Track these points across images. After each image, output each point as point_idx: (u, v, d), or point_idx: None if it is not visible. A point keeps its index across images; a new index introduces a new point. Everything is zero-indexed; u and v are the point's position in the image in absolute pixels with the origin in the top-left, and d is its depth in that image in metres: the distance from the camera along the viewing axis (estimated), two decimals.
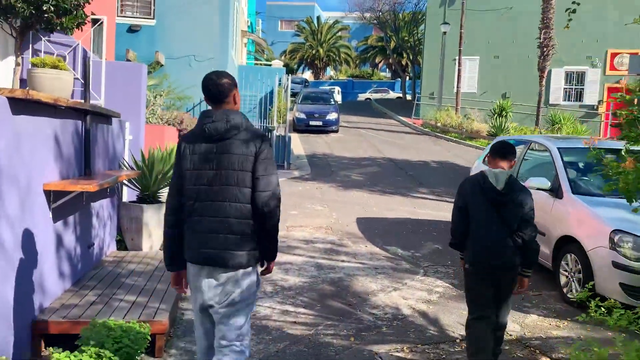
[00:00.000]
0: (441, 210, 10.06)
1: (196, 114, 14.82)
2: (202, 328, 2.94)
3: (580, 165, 6.17)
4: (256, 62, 34.47)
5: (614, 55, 23.77)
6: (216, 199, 2.74)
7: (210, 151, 2.75)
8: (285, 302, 5.16)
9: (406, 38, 43.69)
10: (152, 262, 5.68)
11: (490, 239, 3.57)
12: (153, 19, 14.78)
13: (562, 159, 6.02)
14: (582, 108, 24.15)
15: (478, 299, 3.67)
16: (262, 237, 2.82)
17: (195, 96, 14.63)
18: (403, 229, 8.43)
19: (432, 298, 5.42)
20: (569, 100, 24.61)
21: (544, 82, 20.47)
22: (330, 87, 45.79)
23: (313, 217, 9.00)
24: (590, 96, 24.15)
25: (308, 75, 56.48)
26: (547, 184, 5.86)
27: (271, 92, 19.25)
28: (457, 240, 3.78)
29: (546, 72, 20.37)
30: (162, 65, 14.65)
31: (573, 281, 5.31)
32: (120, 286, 4.80)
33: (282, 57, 55.09)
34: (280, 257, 6.56)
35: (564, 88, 24.58)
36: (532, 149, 6.86)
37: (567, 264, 5.43)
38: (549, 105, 23.94)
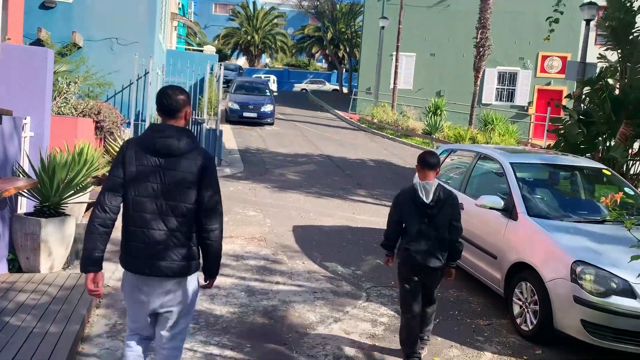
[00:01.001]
0: (380, 216, 9.57)
1: (117, 102, 13.57)
2: (137, 324, 3.03)
3: (535, 183, 5.79)
4: (187, 47, 32.85)
5: (544, 57, 24.40)
6: (161, 213, 2.81)
7: (158, 165, 2.81)
8: (210, 341, 4.41)
9: (343, 29, 43.31)
10: (50, 289, 4.75)
11: (422, 248, 4.04)
12: None
13: (516, 176, 5.60)
14: (513, 108, 24.67)
15: (410, 295, 4.18)
16: (205, 254, 2.97)
17: (117, 82, 13.38)
18: (342, 240, 7.85)
19: (377, 332, 4.84)
20: (501, 100, 25.07)
21: (479, 82, 20.60)
22: (266, 75, 44.70)
23: (245, 225, 8.23)
24: (521, 97, 24.70)
25: (242, 62, 54.95)
26: (500, 203, 5.43)
27: (202, 81, 18.13)
28: (389, 243, 4.35)
29: (481, 72, 20.50)
30: (79, 48, 13.24)
31: (528, 312, 4.90)
32: (0, 329, 3.87)
33: (216, 42, 53.21)
34: None
35: (497, 88, 25.02)
36: (483, 160, 6.43)
37: (522, 293, 5.01)
38: (481, 104, 24.25)
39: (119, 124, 11.25)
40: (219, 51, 50.28)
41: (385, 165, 15.70)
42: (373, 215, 9.66)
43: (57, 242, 5.30)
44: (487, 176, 6.38)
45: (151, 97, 13.50)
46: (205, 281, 3.08)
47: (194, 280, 2.98)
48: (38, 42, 12.50)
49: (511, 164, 5.78)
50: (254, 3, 53.72)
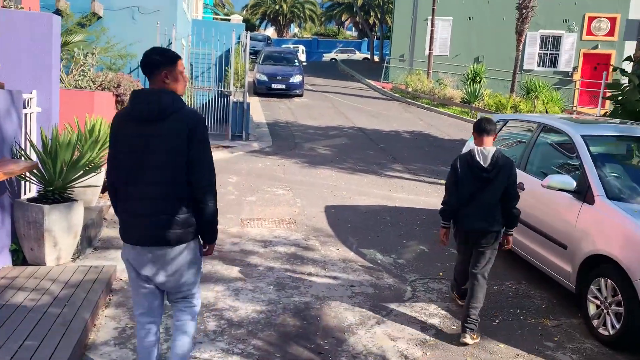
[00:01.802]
0: (420, 194, 8.79)
1: (140, 75, 12.96)
2: (142, 295, 2.95)
3: (612, 159, 4.92)
4: (215, 16, 32.05)
5: (591, 19, 22.75)
6: (150, 182, 2.73)
7: (141, 134, 2.72)
8: (233, 349, 3.78)
9: None
10: (53, 287, 4.19)
11: (472, 212, 4.06)
12: None
13: (590, 151, 4.74)
14: (557, 74, 23.20)
15: (460, 253, 4.39)
16: (200, 221, 2.85)
17: (140, 53, 12.67)
18: (380, 222, 7.11)
19: (427, 337, 4.14)
20: (543, 65, 23.60)
21: (521, 47, 19.27)
22: (294, 45, 43.64)
23: (274, 206, 7.57)
24: (566, 62, 23.19)
25: (271, 32, 53.91)
26: (571, 184, 4.59)
27: (229, 51, 17.41)
28: (446, 209, 4.23)
29: (524, 36, 19.15)
30: (100, 18, 12.62)
31: (608, 314, 4.11)
32: None
33: (244, 12, 52.25)
34: (231, 270, 5.15)
35: (539, 53, 23.53)
36: (546, 132, 5.55)
37: (600, 291, 4.22)
38: (523, 71, 22.87)
39: None
40: (246, 21, 49.36)
41: (422, 137, 14.79)
42: (412, 193, 8.88)
43: (63, 231, 4.73)
44: (552, 151, 5.52)
45: None
46: (205, 247, 2.99)
47: (194, 247, 2.90)
48: (57, 13, 11.94)
49: (583, 137, 4.90)
50: None
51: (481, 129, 4.07)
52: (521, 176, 5.35)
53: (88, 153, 5.16)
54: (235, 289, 4.75)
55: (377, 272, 5.37)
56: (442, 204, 4.29)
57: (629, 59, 10.53)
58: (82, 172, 5.13)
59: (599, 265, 4.25)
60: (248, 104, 13.04)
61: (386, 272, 5.41)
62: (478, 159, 3.99)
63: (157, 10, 12.98)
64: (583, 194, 4.53)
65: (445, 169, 10.64)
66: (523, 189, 5.28)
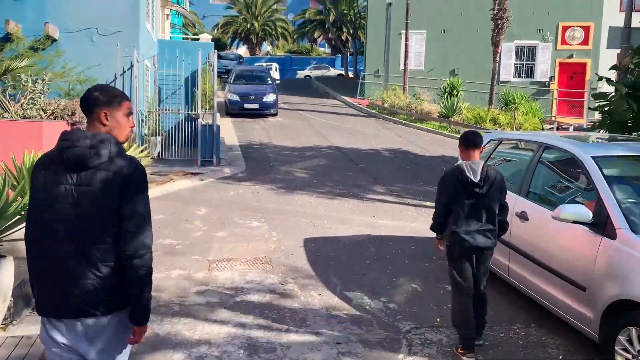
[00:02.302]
0: (405, 219, 8.13)
1: None
2: None
3: (632, 184, 4.31)
4: (185, 36, 31.32)
5: (565, 28, 22.67)
6: (74, 239, 2.30)
7: (66, 183, 2.33)
8: None
9: (345, 11, 41.53)
10: None
11: (471, 229, 3.96)
12: None
13: (605, 176, 4.12)
14: (534, 85, 23.00)
15: (461, 275, 4.06)
16: (129, 290, 2.34)
17: (101, 78, 11.91)
18: (365, 256, 6.41)
19: None
20: (519, 76, 23.40)
21: (497, 58, 18.96)
22: (267, 63, 43.10)
23: (247, 242, 6.81)
24: (542, 72, 23.02)
25: (243, 50, 53.36)
26: (587, 215, 3.95)
27: (197, 71, 16.71)
28: (438, 227, 4.25)
29: (500, 47, 18.85)
30: (55, 41, 11.79)
31: None
32: None
33: (215, 32, 51.62)
34: (194, 330, 4.37)
35: (515, 64, 23.33)
36: (548, 153, 4.93)
37: (631, 342, 3.56)
38: (499, 82, 22.61)
39: None
40: (216, 40, 48.69)
41: (402, 154, 14.21)
42: (396, 218, 8.21)
43: None
44: (558, 176, 4.89)
45: (138, 91, 12.09)
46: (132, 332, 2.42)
47: (121, 319, 2.37)
48: (6, 37, 11.11)
49: (594, 158, 4.29)
50: None
51: (469, 142, 4.03)
52: (523, 204, 4.72)
53: (18, 199, 4.36)
54: (198, 356, 3.97)
55: (366, 323, 4.64)
56: (433, 219, 4.30)
57: (614, 67, 10.14)
58: (13, 220, 4.32)
59: (628, 312, 3.60)
60: (218, 127, 12.30)
61: (376, 321, 4.69)
62: (468, 174, 3.93)
63: (118, 31, 12.20)
64: (602, 226, 3.90)
65: (429, 188, 10.05)
66: (527, 219, 4.64)
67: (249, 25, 49.70)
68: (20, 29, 11.41)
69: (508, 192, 4.28)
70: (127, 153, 2.47)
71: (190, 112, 12.34)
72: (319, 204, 8.96)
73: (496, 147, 5.62)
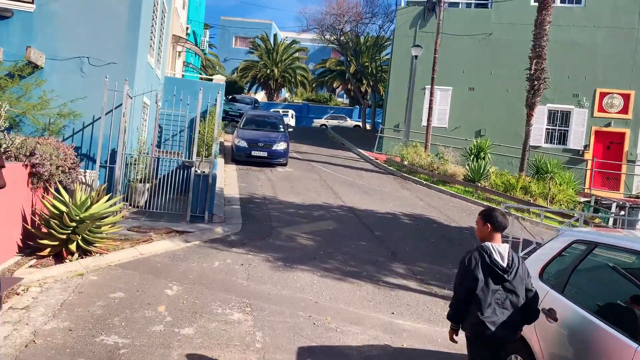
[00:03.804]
0: (435, 322, 6.25)
1: (86, 138, 10.59)
2: None
3: None
4: (200, 77, 30.36)
5: (603, 95, 21.07)
6: None
7: None
8: None
9: (367, 63, 40.69)
10: None
11: (500, 319, 3.61)
12: (32, 2, 10.55)
13: None
14: (566, 152, 21.25)
15: None
16: None
17: (86, 112, 10.45)
18: None
19: None
20: (551, 142, 21.69)
21: (532, 121, 17.33)
22: (284, 110, 42.10)
23: (219, 348, 4.97)
24: (576, 139, 21.30)
25: (261, 96, 52.68)
26: None
27: (205, 112, 15.25)
28: (458, 315, 3.78)
29: (535, 109, 17.25)
30: (40, 68, 10.39)
31: None
32: None
33: (234, 75, 51.14)
34: None
35: (547, 128, 21.66)
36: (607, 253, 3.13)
37: None
38: (530, 147, 20.93)
39: (69, 168, 8.22)
40: (233, 83, 48.04)
41: (424, 222, 12.39)
42: (423, 317, 6.35)
43: None
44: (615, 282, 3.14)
45: (127, 131, 10.54)
46: None
47: None
48: None
49: None
50: (275, 36, 51.72)
51: (499, 225, 3.76)
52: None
53: None
54: None
55: None
56: (451, 306, 3.84)
57: None
58: None
59: None
60: (214, 177, 10.64)
61: None
62: (497, 258, 3.68)
63: (112, 62, 10.79)
64: None
65: None
66: None
67: (268, 71, 49.10)
68: (1, 52, 10.03)
69: (616, 334, 2.53)
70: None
71: (185, 159, 10.70)
72: (323, 287, 7.12)
73: (588, 254, 3.82)
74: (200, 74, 31.02)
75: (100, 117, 10.35)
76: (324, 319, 5.96)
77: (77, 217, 7.45)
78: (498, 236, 3.76)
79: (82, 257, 7.39)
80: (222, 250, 8.41)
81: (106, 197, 8.23)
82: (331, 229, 10.75)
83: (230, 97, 36.11)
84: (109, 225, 8.13)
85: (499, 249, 3.70)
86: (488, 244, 3.72)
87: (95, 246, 7.70)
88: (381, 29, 35.85)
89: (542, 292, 3.98)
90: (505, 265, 3.65)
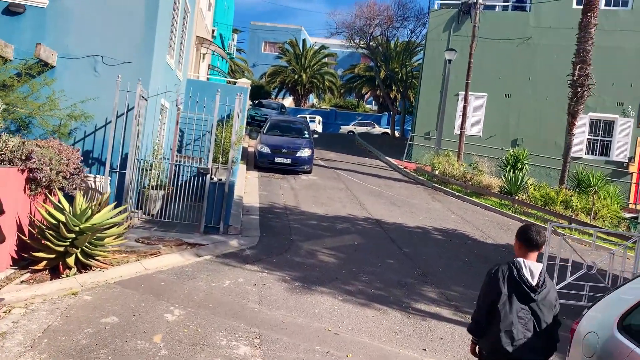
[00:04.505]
0: None
1: (98, 142, 10.02)
2: None
3: None
4: (228, 81, 29.91)
5: None
6: None
7: None
8: None
9: (397, 69, 39.76)
10: None
11: (519, 338, 3.41)
12: None
13: None
14: (609, 164, 19.93)
15: None
16: None
17: (99, 115, 9.88)
18: None
19: None
20: (592, 153, 20.41)
21: (574, 130, 16.17)
22: (311, 115, 41.45)
23: None
24: (620, 151, 19.98)
25: (289, 101, 52.18)
26: None
27: (229, 117, 14.60)
28: (479, 328, 3.59)
29: (578, 118, 16.09)
30: (52, 67, 9.86)
31: None
32: None
33: (262, 80, 50.79)
34: None
35: (588, 139, 20.39)
36: None
37: None
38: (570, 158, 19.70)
39: (71, 174, 7.59)
40: (259, 88, 47.59)
41: (457, 238, 11.43)
42: (460, 356, 5.45)
43: None
44: None
45: (141, 134, 9.91)
46: None
47: None
48: None
49: None
50: (304, 41, 51.21)
51: (532, 243, 3.51)
52: None
53: None
54: None
55: None
56: (472, 319, 3.67)
57: None
58: None
59: None
60: (232, 186, 9.94)
61: None
62: (526, 274, 3.45)
63: (127, 61, 10.19)
64: None
65: None
66: None
67: (296, 76, 48.59)
68: (12, 49, 9.53)
69: None
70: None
71: (199, 165, 10.01)
72: (345, 314, 6.28)
73: None
74: (227, 77, 30.56)
75: (109, 122, 9.76)
76: (344, 356, 5.12)
77: (77, 228, 6.79)
78: (532, 254, 3.55)
79: (80, 272, 6.73)
80: (234, 267, 7.64)
81: (110, 206, 7.57)
82: (355, 244, 9.90)
83: (256, 102, 35.61)
84: (113, 237, 7.47)
85: (531, 266, 3.49)
86: (520, 259, 3.54)
87: (96, 260, 7.04)
88: (413, 33, 34.86)
89: (623, 351, 3.07)
90: (534, 283, 3.45)
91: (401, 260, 9.12)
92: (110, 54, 10.18)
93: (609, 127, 20.13)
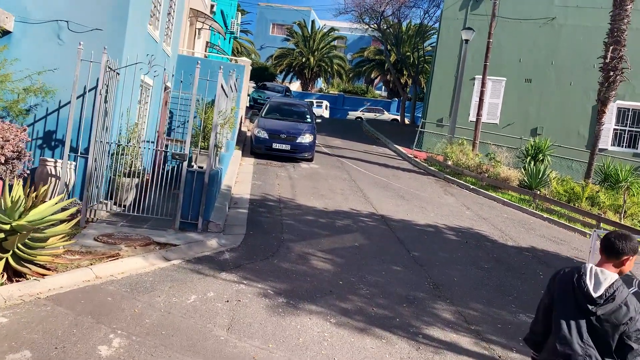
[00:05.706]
0: None
1: (62, 121, 8.64)
2: None
3: None
4: (230, 59, 28.42)
5: None
6: None
7: None
8: None
9: (408, 53, 38.07)
10: None
11: (568, 353, 2.87)
12: None
13: None
14: (637, 157, 18.35)
15: None
16: None
17: (62, 89, 8.51)
18: None
19: None
20: (620, 145, 18.83)
21: (603, 119, 14.62)
22: (318, 100, 39.92)
23: None
24: None
25: (296, 85, 50.61)
26: None
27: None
28: (534, 338, 3.15)
29: (609, 105, 14.54)
30: (8, 33, 8.47)
31: None
32: None
33: (268, 63, 49.17)
34: None
35: (614, 129, 18.79)
36: None
37: None
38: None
39: (9, 159, 6.23)
40: (264, 69, 45.93)
41: (474, 239, 10.01)
42: None
43: None
44: None
45: (112, 115, 8.52)
46: None
47: None
48: None
49: None
50: (313, 22, 49.49)
51: (608, 246, 2.94)
52: None
53: None
54: None
55: None
56: (530, 328, 3.22)
57: None
58: None
59: None
60: (214, 175, 8.54)
61: None
62: (588, 281, 2.88)
63: (96, 28, 8.78)
64: None
65: (526, 319, 5.98)
66: None
67: (304, 59, 46.95)
68: None
69: None
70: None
71: (174, 150, 8.62)
72: (337, 344, 4.91)
73: None
74: (226, 54, 29.03)
75: (82, 95, 8.39)
76: None
77: (6, 226, 5.46)
78: (608, 263, 2.96)
79: (10, 281, 5.40)
80: (206, 276, 6.27)
81: (57, 199, 6.21)
82: (357, 245, 8.52)
83: (260, 84, 34.15)
84: (60, 237, 6.14)
85: (599, 274, 2.91)
86: (588, 264, 3.02)
87: (35, 265, 5.71)
88: (426, 14, 33.03)
89: None
90: (595, 295, 2.86)
91: (409, 267, 7.72)
92: (77, 19, 8.79)
93: (638, 116, 18.50)
